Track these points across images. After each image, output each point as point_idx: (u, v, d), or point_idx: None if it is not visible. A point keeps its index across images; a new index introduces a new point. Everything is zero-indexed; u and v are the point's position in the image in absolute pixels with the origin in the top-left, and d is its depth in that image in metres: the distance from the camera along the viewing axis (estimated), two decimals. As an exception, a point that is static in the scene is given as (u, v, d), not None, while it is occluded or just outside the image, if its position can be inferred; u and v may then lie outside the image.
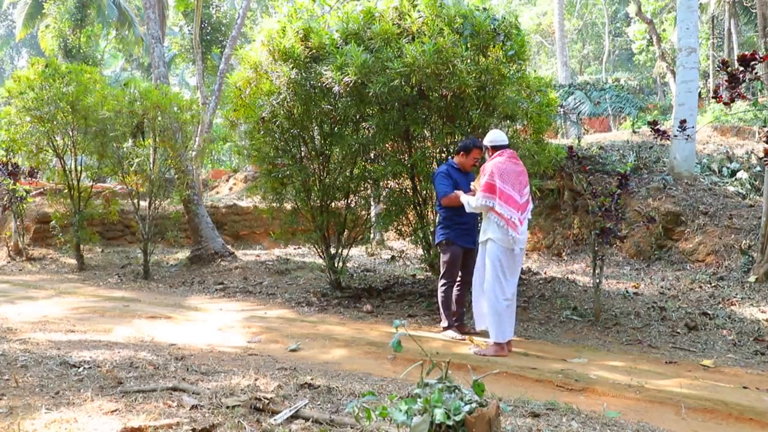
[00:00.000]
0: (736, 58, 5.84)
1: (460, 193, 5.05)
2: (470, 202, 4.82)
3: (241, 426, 2.39)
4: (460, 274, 5.33)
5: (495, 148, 4.84)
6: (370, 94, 5.72)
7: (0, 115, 9.58)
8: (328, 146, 6.93)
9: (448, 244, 5.25)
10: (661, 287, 6.96)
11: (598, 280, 5.75)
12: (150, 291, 8.31)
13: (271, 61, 6.46)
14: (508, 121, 6.41)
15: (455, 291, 5.31)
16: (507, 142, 4.91)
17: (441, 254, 5.37)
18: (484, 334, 5.05)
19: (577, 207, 9.69)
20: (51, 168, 10.94)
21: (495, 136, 4.93)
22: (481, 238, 4.82)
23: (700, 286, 6.88)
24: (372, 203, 8.79)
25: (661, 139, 5.96)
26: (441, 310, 5.34)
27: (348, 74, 5.63)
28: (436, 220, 5.64)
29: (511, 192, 4.62)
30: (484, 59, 5.64)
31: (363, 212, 8.04)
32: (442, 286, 5.29)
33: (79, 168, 10.14)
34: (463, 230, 5.24)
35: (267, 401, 2.65)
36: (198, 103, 10.43)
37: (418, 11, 5.91)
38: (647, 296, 6.52)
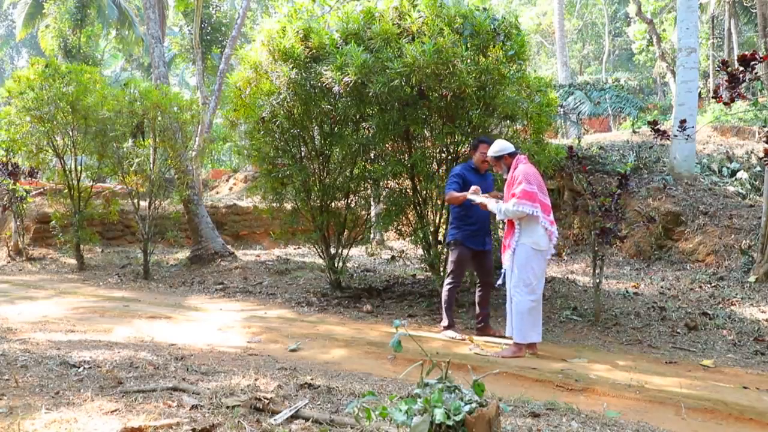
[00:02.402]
0: (736, 58, 5.84)
1: (487, 201, 4.90)
2: (503, 209, 4.68)
3: (241, 426, 2.39)
4: (477, 275, 5.34)
5: (511, 155, 4.85)
6: (370, 94, 5.72)
7: (0, 115, 9.58)
8: (328, 146, 6.93)
9: (455, 244, 5.26)
10: (661, 287, 6.96)
11: (598, 280, 5.75)
12: (150, 291, 8.31)
13: (271, 61, 6.46)
14: (508, 121, 6.40)
15: (478, 293, 5.33)
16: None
17: (450, 254, 5.40)
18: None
19: (577, 207, 9.69)
20: (51, 168, 10.95)
21: (504, 145, 4.91)
22: (514, 245, 4.71)
23: (700, 286, 6.88)
24: (372, 203, 8.79)
25: (661, 139, 5.95)
26: (443, 310, 5.34)
27: (348, 74, 5.63)
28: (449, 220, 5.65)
29: (543, 198, 4.66)
30: (484, 59, 5.64)
31: (363, 212, 8.04)
32: (447, 285, 5.29)
33: (79, 168, 10.14)
34: (471, 232, 5.23)
35: (267, 401, 2.65)
36: (198, 103, 10.42)
37: (418, 11, 5.91)
38: (647, 296, 6.52)
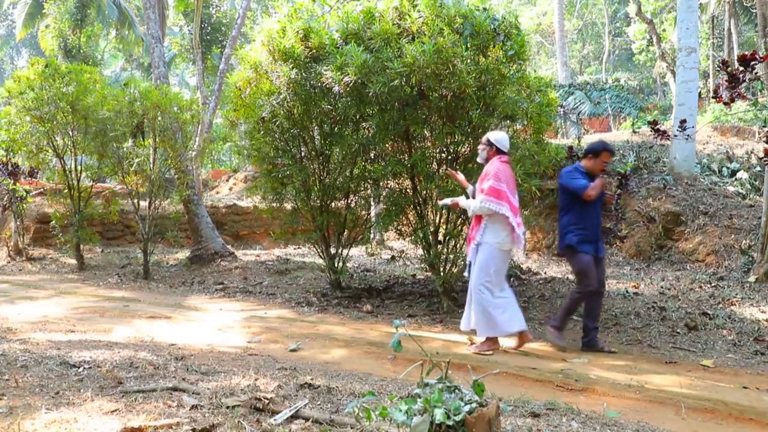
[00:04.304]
0: (736, 58, 5.84)
1: (458, 200, 4.96)
2: (471, 205, 4.76)
3: (241, 426, 2.39)
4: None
5: (499, 151, 4.83)
6: (370, 94, 5.72)
7: (0, 115, 9.58)
8: (328, 146, 6.93)
9: (569, 250, 4.95)
10: (661, 287, 6.96)
11: (598, 280, 5.74)
12: (150, 291, 8.31)
13: (271, 61, 6.46)
14: (508, 121, 6.41)
15: (585, 303, 4.95)
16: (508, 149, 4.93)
17: (570, 263, 5.17)
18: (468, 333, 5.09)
19: (577, 207, 9.67)
20: (51, 168, 10.95)
21: (505, 140, 4.89)
22: (478, 240, 4.75)
23: (700, 286, 6.87)
24: (372, 203, 8.79)
25: (661, 139, 5.95)
26: (561, 311, 5.06)
27: (348, 74, 5.63)
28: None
29: (510, 197, 4.70)
30: (484, 59, 5.64)
31: (363, 212, 8.04)
32: (575, 293, 4.97)
33: (79, 168, 10.14)
34: (584, 236, 4.89)
35: (267, 401, 2.65)
36: (198, 103, 10.42)
37: (418, 11, 5.91)
38: (647, 296, 6.52)
